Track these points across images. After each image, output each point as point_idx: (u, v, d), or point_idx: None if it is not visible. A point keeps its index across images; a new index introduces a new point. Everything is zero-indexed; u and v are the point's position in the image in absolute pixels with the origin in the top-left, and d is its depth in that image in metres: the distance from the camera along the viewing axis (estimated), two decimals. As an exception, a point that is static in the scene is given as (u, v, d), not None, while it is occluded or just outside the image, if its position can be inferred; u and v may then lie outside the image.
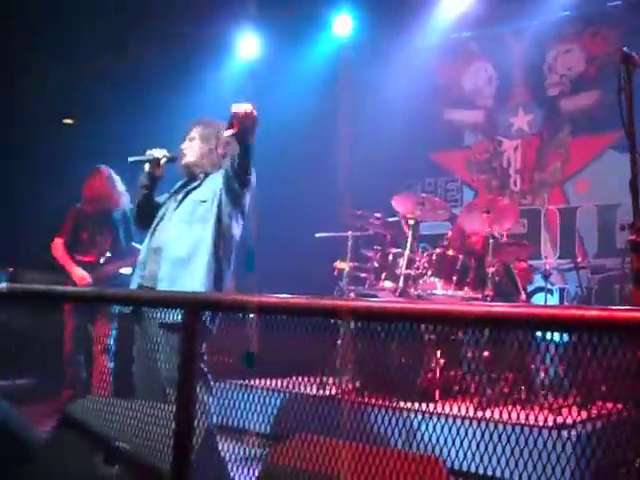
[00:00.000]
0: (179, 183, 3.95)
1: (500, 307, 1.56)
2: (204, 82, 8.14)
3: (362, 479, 1.89)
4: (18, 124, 8.02)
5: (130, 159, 3.84)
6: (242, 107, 3.39)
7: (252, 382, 5.52)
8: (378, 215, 5.76)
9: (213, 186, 3.75)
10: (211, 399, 3.30)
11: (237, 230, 3.79)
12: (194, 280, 3.53)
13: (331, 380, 5.43)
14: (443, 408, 4.67)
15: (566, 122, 7.32)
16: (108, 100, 7.85)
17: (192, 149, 3.87)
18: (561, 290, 6.98)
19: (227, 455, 2.87)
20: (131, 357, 3.65)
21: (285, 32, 7.94)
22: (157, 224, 3.78)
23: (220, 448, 2.73)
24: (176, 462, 1.99)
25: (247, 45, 8.43)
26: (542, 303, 5.86)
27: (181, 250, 3.61)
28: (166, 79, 7.83)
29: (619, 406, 4.90)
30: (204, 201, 3.71)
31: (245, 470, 3.04)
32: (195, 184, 3.82)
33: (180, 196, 3.79)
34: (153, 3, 7.33)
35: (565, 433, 3.88)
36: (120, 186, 5.80)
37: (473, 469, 4.28)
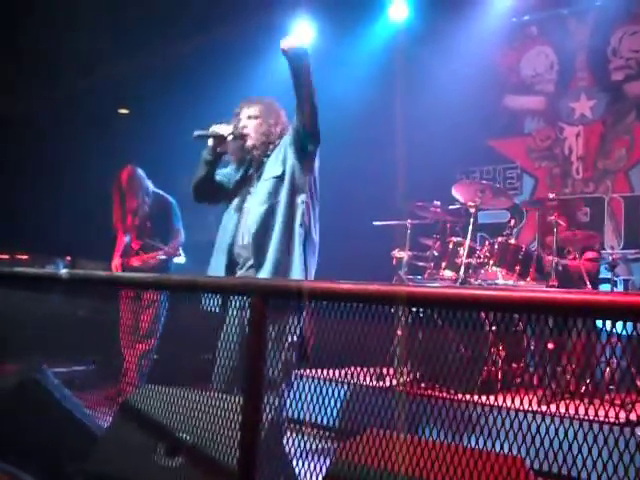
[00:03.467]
0: (246, 171, 3.76)
1: (563, 294, 1.46)
2: (260, 70, 8.08)
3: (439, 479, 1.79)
4: (74, 115, 8.08)
5: (195, 133, 3.70)
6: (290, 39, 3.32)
7: (308, 372, 5.45)
8: (437, 203, 5.63)
9: (281, 157, 3.59)
10: (286, 392, 3.19)
11: (316, 199, 3.63)
12: (290, 264, 3.45)
13: (388, 371, 5.33)
14: (505, 401, 4.53)
15: (632, 107, 7.06)
16: (161, 89, 7.86)
17: (256, 129, 3.67)
18: (625, 281, 6.75)
19: (288, 448, 2.80)
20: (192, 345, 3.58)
21: (340, 18, 7.83)
22: (238, 220, 3.62)
23: (284, 441, 2.66)
24: (243, 456, 1.91)
25: (302, 31, 8.33)
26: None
27: (267, 236, 3.48)
28: (221, 66, 7.81)
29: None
30: (276, 177, 3.55)
31: (307, 464, 2.95)
32: (262, 167, 3.66)
33: (253, 186, 3.65)
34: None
35: (639, 431, 3.72)
36: (143, 188, 5.84)
37: (536, 466, 4.15)
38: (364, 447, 2.08)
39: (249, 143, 3.67)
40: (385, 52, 7.88)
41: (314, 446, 3.63)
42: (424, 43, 7.72)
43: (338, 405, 5.10)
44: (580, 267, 5.22)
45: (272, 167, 3.60)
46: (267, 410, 2.05)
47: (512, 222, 5.50)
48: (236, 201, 3.68)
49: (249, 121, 3.69)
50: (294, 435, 3.57)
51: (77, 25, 7.29)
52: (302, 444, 3.30)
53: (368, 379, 5.31)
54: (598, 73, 7.30)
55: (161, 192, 5.89)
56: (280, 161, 3.57)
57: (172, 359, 3.72)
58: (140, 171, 5.86)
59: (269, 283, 1.99)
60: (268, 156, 3.66)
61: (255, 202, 3.56)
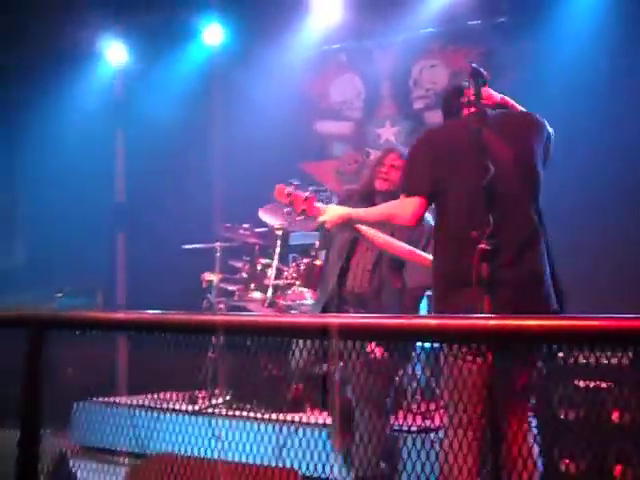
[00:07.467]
0: None
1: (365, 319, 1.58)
2: (74, 90, 7.94)
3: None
4: None
5: None
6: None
7: (118, 400, 5.36)
8: (246, 225, 5.73)
9: None
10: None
11: None
12: None
13: (201, 394, 5.37)
14: (312, 417, 4.70)
15: (431, 135, 7.52)
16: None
17: None
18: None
19: (87, 476, 2.77)
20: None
21: (154, 41, 7.82)
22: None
23: (75, 471, 2.63)
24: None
25: (115, 53, 8.22)
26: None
27: None
28: (36, 82, 7.60)
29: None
30: None
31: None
32: None
33: None
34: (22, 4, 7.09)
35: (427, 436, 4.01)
36: None
37: (337, 476, 4.35)
38: (152, 469, 2.12)
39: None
40: (200, 76, 7.95)
41: (110, 471, 3.58)
42: (239, 68, 7.86)
43: (141, 430, 5.02)
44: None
45: None
46: (46, 442, 2.03)
47: (317, 243, 5.69)
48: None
49: None
50: (96, 462, 3.50)
51: None
52: (103, 471, 3.25)
53: (177, 404, 5.30)
54: (401, 102, 7.74)
55: None
56: None
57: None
58: None
59: (47, 314, 1.98)
60: None
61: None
